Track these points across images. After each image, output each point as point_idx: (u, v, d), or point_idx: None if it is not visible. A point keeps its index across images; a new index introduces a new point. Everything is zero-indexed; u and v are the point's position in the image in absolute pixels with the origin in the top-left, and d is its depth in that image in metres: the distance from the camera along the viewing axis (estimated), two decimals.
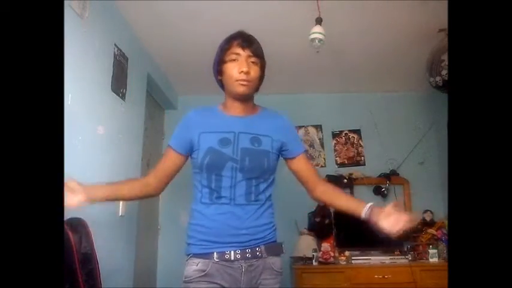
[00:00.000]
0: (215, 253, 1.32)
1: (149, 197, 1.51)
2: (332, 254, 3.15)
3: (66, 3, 1.72)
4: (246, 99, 1.43)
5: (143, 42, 2.80)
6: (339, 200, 1.43)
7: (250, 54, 1.38)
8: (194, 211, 1.39)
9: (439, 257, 3.10)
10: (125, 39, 2.48)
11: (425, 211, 3.38)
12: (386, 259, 3.14)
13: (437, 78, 2.49)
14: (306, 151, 1.51)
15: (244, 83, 1.36)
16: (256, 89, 1.45)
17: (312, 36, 2.22)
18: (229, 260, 1.31)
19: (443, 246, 3.13)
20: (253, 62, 1.39)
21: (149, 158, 3.28)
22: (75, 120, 1.88)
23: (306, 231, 3.33)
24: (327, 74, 3.36)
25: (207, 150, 1.36)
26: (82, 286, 1.52)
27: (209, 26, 2.57)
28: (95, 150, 2.09)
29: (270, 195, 1.42)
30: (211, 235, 1.33)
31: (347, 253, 3.19)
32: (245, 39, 1.40)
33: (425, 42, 2.64)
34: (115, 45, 2.33)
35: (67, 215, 1.57)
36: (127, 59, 2.50)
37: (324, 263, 3.10)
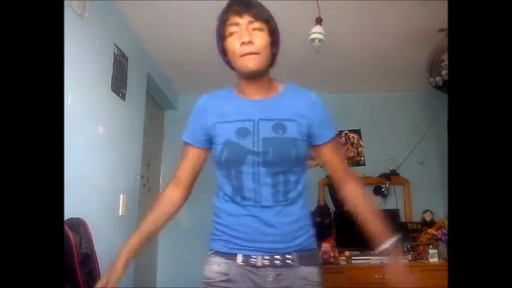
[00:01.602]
0: (240, 255, 1.15)
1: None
2: (332, 254, 3.15)
3: (66, 3, 1.72)
4: (258, 76, 1.18)
5: (143, 42, 2.80)
6: (365, 218, 1.23)
7: (251, 19, 1.13)
8: (217, 208, 1.22)
9: (439, 257, 3.10)
10: (124, 39, 2.48)
11: (425, 211, 3.38)
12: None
13: (437, 78, 2.49)
14: (336, 137, 1.27)
15: (250, 56, 1.12)
16: (271, 62, 1.19)
17: (312, 36, 2.22)
18: (254, 266, 1.14)
19: (443, 246, 3.13)
20: (256, 29, 1.14)
21: (149, 158, 3.28)
22: (75, 120, 1.88)
23: None
24: (327, 74, 3.36)
25: (224, 143, 1.16)
26: (82, 286, 1.52)
27: (209, 25, 2.55)
28: (94, 150, 2.09)
29: (302, 192, 1.20)
30: (235, 237, 1.16)
31: (347, 253, 3.19)
32: (241, 3, 1.16)
33: (425, 42, 2.64)
34: (115, 45, 2.33)
35: (67, 215, 1.57)
36: (127, 59, 2.50)
37: (324, 263, 3.10)
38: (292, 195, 1.17)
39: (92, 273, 1.59)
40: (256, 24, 1.14)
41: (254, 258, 1.14)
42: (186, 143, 1.27)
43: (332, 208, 3.38)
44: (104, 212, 2.19)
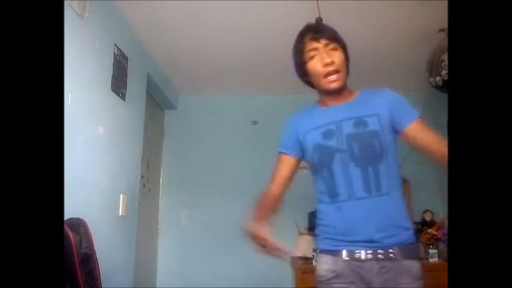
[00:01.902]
0: (344, 251, 1.23)
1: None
2: None
3: (66, 3, 1.72)
4: (340, 90, 1.32)
5: (143, 42, 2.80)
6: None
7: (327, 42, 1.29)
8: (318, 212, 1.34)
9: (439, 257, 3.09)
10: (125, 39, 2.48)
11: (425, 211, 3.38)
12: None
13: (437, 78, 2.49)
14: (422, 117, 1.33)
15: (333, 77, 1.27)
16: (347, 74, 1.34)
17: None
18: (359, 260, 1.21)
19: (443, 246, 3.13)
20: (333, 49, 1.29)
21: (149, 158, 3.28)
22: (75, 120, 1.88)
23: (306, 231, 3.33)
24: None
25: (313, 147, 1.30)
26: (82, 286, 1.52)
27: (209, 26, 2.57)
28: (94, 150, 2.09)
29: (394, 183, 1.26)
30: (337, 234, 1.25)
31: None
32: (315, 31, 1.32)
33: (425, 42, 2.64)
34: (115, 45, 2.33)
35: (67, 215, 1.57)
36: (127, 59, 2.50)
37: None
38: (384, 187, 1.23)
39: (92, 274, 1.59)
40: (332, 45, 1.29)
41: (358, 252, 1.21)
42: (281, 153, 1.44)
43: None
44: (103, 212, 2.19)
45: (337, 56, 1.29)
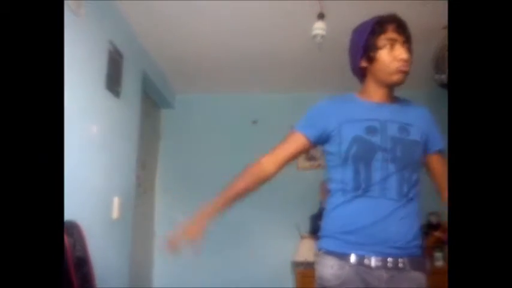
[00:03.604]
0: (353, 255, 1.23)
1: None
2: None
3: None
4: (396, 86, 1.37)
5: (139, 39, 2.82)
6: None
7: (405, 39, 1.33)
8: (333, 205, 1.32)
9: (444, 261, 3.11)
10: (120, 36, 2.50)
11: (432, 213, 3.40)
12: None
13: (443, 76, 2.51)
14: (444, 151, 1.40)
15: (404, 73, 1.31)
16: None
17: (314, 32, 2.25)
18: (368, 267, 1.22)
19: None
20: (408, 48, 1.33)
21: (145, 159, 3.29)
22: (68, 120, 1.89)
23: (307, 235, 3.34)
24: (329, 70, 3.38)
25: (352, 139, 1.29)
26: None
27: (208, 22, 2.59)
28: (88, 150, 2.10)
29: (419, 193, 1.34)
30: (351, 234, 1.25)
31: None
32: (401, 24, 1.35)
33: (429, 40, 2.66)
34: (110, 42, 2.35)
35: None
36: (122, 56, 2.52)
37: None
38: (412, 193, 1.30)
39: (86, 277, 1.62)
40: (408, 45, 1.33)
41: (367, 258, 1.22)
42: (295, 130, 1.41)
43: None
44: (98, 214, 2.21)
45: (410, 57, 1.33)
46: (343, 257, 1.24)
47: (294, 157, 1.41)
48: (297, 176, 3.41)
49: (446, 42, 2.52)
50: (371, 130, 1.29)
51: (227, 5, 2.41)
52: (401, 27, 1.34)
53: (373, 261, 1.22)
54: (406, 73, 1.31)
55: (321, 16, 2.26)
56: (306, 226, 3.40)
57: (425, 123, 1.38)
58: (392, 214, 1.24)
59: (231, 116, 3.75)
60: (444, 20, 2.51)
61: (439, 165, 1.40)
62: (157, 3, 2.39)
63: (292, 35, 2.71)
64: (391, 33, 1.32)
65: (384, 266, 1.21)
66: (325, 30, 2.23)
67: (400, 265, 1.22)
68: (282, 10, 2.47)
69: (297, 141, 1.39)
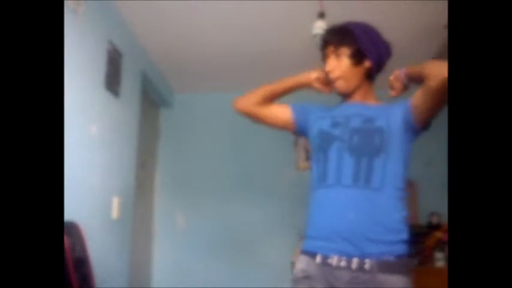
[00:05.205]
0: (319, 255, 1.26)
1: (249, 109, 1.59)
2: None
3: None
4: (351, 92, 1.42)
5: (138, 38, 2.83)
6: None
7: (332, 48, 1.39)
8: (309, 204, 1.39)
9: (445, 261, 3.12)
10: (119, 36, 2.51)
11: (433, 214, 3.41)
12: None
13: None
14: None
15: (333, 79, 1.39)
16: (360, 77, 1.41)
17: (314, 31, 2.25)
18: (331, 266, 1.22)
19: None
20: (336, 55, 1.38)
21: (144, 158, 3.30)
22: (67, 119, 1.90)
23: None
24: None
25: (317, 132, 1.38)
26: None
27: (207, 21, 2.59)
28: (87, 150, 2.11)
29: (392, 182, 1.25)
30: (316, 229, 1.32)
31: None
32: (326, 35, 1.44)
33: (431, 39, 2.67)
34: (109, 41, 2.36)
35: None
36: (121, 55, 2.52)
37: None
38: (375, 180, 1.24)
39: (86, 278, 1.62)
40: (338, 51, 1.40)
41: (331, 258, 1.23)
42: (287, 104, 1.51)
43: None
44: (97, 214, 2.22)
45: (338, 64, 1.38)
46: (312, 256, 1.28)
47: (275, 116, 1.51)
48: (296, 176, 3.42)
49: (447, 41, 2.52)
50: (335, 124, 1.35)
51: (227, 5, 2.41)
52: (327, 37, 1.42)
53: (336, 261, 1.21)
54: (334, 85, 1.40)
55: (321, 15, 2.26)
56: (305, 226, 3.41)
57: (399, 107, 1.32)
58: (350, 200, 1.24)
59: (231, 115, 3.73)
60: (445, 18, 2.53)
61: (417, 93, 1.29)
62: (156, 2, 2.40)
63: (292, 35, 2.72)
64: (325, 49, 1.42)
65: (347, 266, 1.19)
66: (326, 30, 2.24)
67: (366, 266, 1.17)
68: (282, 10, 2.47)
69: (283, 107, 1.51)
